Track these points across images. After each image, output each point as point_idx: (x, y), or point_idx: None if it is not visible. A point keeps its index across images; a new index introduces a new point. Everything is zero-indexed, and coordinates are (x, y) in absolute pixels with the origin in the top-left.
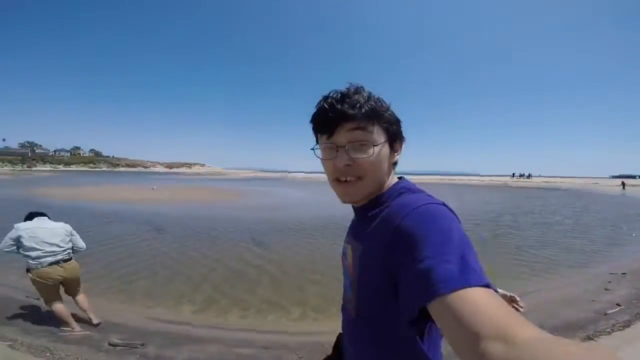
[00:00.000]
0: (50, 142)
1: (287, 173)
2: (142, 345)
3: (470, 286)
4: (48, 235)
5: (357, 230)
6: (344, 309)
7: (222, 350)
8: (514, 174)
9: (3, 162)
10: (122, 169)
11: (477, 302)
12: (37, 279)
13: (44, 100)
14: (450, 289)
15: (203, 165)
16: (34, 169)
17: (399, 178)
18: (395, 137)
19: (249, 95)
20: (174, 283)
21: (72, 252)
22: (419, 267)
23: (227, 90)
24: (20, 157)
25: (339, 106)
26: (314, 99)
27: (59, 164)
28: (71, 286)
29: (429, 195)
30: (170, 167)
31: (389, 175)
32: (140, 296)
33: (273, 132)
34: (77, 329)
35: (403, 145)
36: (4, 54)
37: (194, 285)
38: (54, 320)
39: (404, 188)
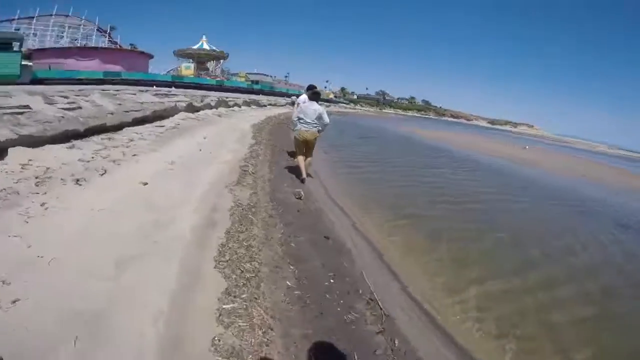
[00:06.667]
0: (395, 91)
1: None
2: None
3: None
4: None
5: None
6: None
7: None
8: None
9: (365, 104)
10: (446, 118)
11: None
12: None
13: (393, 61)
14: None
15: (531, 126)
16: (383, 110)
17: None
18: None
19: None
20: None
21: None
22: None
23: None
24: (375, 101)
25: None
26: None
27: (399, 109)
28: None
29: None
30: (493, 123)
31: None
32: None
33: None
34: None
35: None
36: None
37: None
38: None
39: None
